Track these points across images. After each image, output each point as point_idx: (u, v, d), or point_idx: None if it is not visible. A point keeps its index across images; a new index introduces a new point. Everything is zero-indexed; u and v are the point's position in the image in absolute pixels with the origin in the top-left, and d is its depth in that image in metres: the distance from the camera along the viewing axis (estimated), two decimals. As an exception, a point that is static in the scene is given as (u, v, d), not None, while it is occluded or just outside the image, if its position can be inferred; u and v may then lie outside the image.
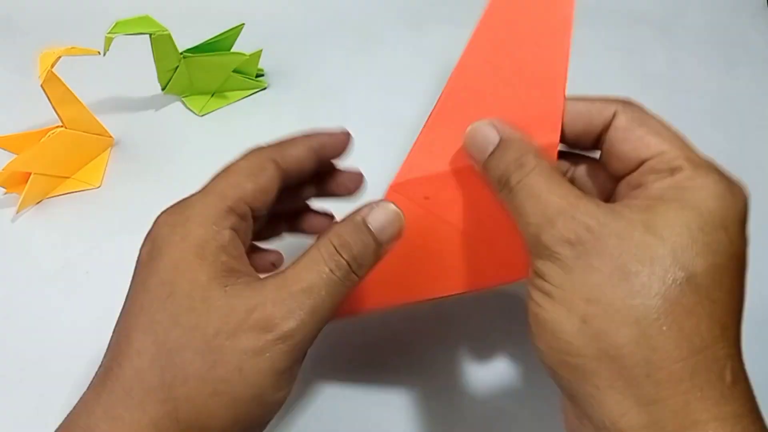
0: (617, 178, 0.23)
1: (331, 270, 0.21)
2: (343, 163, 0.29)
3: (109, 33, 0.35)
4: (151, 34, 0.37)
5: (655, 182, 0.20)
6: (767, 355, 0.32)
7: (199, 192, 0.24)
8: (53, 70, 0.34)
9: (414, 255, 0.25)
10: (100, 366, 0.22)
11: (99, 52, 0.36)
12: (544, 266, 0.20)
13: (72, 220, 0.38)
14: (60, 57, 0.34)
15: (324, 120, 0.43)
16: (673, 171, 0.20)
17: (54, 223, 0.38)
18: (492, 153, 0.22)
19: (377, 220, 0.23)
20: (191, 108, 0.43)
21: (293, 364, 0.21)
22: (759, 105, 0.43)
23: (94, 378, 0.21)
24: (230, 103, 0.44)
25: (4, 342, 0.33)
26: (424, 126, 0.26)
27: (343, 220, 0.23)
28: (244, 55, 0.41)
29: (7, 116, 0.42)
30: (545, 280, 0.20)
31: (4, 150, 0.38)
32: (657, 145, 0.21)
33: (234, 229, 0.22)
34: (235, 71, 0.42)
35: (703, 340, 0.18)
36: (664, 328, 0.18)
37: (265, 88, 0.45)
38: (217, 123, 0.43)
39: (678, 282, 0.18)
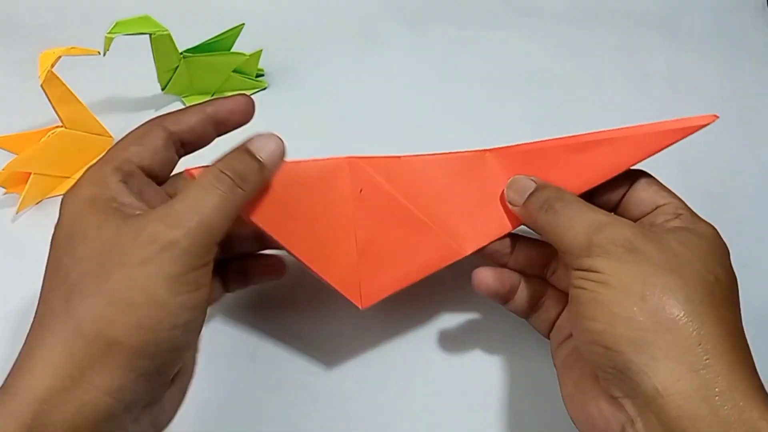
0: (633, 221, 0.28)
1: (215, 186, 0.24)
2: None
3: (109, 33, 0.35)
4: (151, 34, 0.37)
5: (667, 221, 0.26)
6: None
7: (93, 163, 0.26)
8: (53, 70, 0.34)
9: (309, 208, 0.28)
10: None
11: (99, 52, 0.36)
12: (597, 261, 0.24)
13: (72, 220, 0.38)
14: (60, 57, 0.34)
15: (324, 120, 0.43)
16: (677, 215, 0.26)
17: (54, 223, 0.37)
18: (532, 193, 0.28)
19: (257, 144, 0.26)
20: (191, 108, 0.43)
21: (187, 270, 0.22)
22: (759, 105, 0.43)
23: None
24: (230, 103, 0.44)
25: (4, 342, 0.33)
26: (408, 156, 0.30)
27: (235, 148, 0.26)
28: (244, 55, 0.41)
29: (7, 116, 0.42)
30: (599, 272, 0.23)
31: (4, 150, 0.38)
32: (668, 197, 0.27)
33: (124, 182, 0.24)
34: (235, 71, 0.42)
35: (733, 327, 0.23)
36: (708, 308, 0.22)
37: (265, 88, 0.45)
38: (217, 123, 0.43)
39: (710, 280, 0.23)
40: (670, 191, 0.28)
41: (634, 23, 0.49)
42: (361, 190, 0.29)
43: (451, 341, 0.33)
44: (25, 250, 0.36)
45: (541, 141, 0.30)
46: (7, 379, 0.22)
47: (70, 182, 0.39)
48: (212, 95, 0.44)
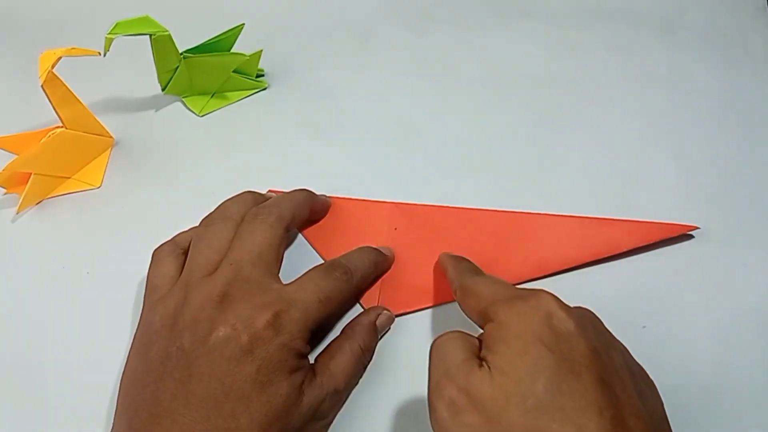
0: None
1: (361, 370, 0.30)
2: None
3: (109, 34, 0.35)
4: (151, 35, 0.37)
5: None
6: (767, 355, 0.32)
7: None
8: (54, 70, 0.34)
9: (352, 234, 0.35)
10: None
11: (99, 53, 0.36)
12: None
13: (72, 220, 0.38)
14: (60, 57, 0.34)
15: (324, 120, 0.43)
16: None
17: (54, 223, 0.38)
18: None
19: (382, 324, 0.32)
20: (191, 108, 0.43)
21: None
22: (759, 105, 0.43)
23: None
24: (230, 104, 0.44)
25: (4, 343, 0.33)
26: (440, 206, 0.36)
27: (365, 323, 0.31)
28: (244, 55, 0.41)
29: (7, 116, 0.43)
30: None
31: (4, 150, 0.38)
32: None
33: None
34: (235, 71, 0.42)
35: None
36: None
37: (265, 88, 0.45)
38: (217, 123, 0.43)
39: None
40: None
41: (634, 23, 0.49)
42: (396, 229, 0.35)
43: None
44: (25, 251, 0.36)
45: (553, 214, 0.36)
46: None
47: (71, 182, 0.39)
48: (212, 95, 0.44)
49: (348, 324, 0.31)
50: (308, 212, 0.34)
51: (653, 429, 0.21)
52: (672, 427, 0.24)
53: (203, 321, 0.26)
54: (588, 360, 0.21)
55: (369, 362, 0.31)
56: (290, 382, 0.26)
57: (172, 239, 0.32)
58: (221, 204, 0.32)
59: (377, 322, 0.31)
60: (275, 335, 0.26)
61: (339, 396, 0.29)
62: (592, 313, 0.25)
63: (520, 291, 0.25)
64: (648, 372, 0.25)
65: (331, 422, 0.29)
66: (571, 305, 0.24)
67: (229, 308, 0.26)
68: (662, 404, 0.24)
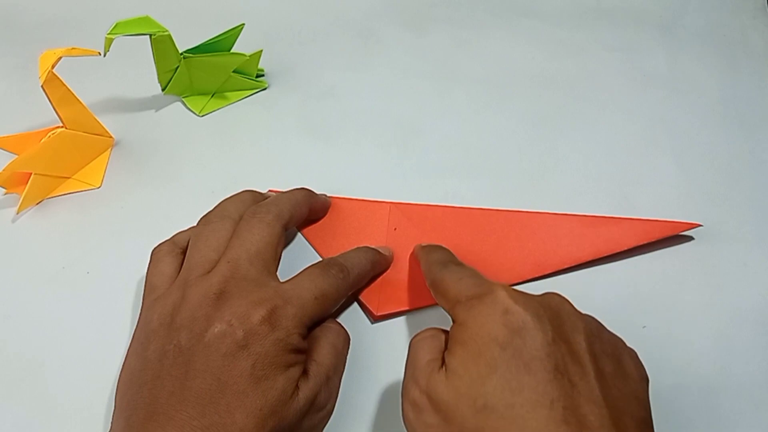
0: None
1: (343, 346, 0.30)
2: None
3: (109, 34, 0.35)
4: (151, 35, 0.37)
5: None
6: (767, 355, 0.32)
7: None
8: (54, 70, 0.34)
9: (352, 234, 0.36)
10: None
11: (99, 53, 0.36)
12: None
13: (72, 221, 0.38)
14: (61, 58, 0.34)
15: (324, 120, 0.43)
16: None
17: (54, 223, 0.38)
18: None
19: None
20: (191, 108, 0.43)
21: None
22: (759, 105, 0.43)
23: None
24: (230, 104, 0.44)
25: (4, 343, 0.33)
26: (438, 206, 0.37)
27: None
28: (244, 55, 0.41)
29: (7, 116, 0.43)
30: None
31: (5, 150, 0.38)
32: None
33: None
34: (235, 71, 0.42)
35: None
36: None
37: (265, 88, 0.45)
38: (217, 123, 0.43)
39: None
40: None
41: (634, 23, 0.49)
42: (395, 228, 0.35)
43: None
44: (26, 251, 0.36)
45: (553, 213, 0.36)
46: None
47: (71, 182, 0.39)
48: (212, 95, 0.44)
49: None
50: (307, 211, 0.34)
51: (615, 413, 0.21)
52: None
53: (200, 318, 0.26)
54: (543, 352, 0.22)
55: (349, 338, 0.31)
56: (286, 377, 0.26)
57: (170, 239, 0.32)
58: (220, 203, 0.32)
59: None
60: (271, 330, 0.26)
61: (331, 381, 0.29)
62: (558, 296, 0.25)
63: (480, 288, 0.25)
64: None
65: (331, 411, 0.29)
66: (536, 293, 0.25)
67: (226, 305, 0.26)
68: (641, 382, 0.24)
